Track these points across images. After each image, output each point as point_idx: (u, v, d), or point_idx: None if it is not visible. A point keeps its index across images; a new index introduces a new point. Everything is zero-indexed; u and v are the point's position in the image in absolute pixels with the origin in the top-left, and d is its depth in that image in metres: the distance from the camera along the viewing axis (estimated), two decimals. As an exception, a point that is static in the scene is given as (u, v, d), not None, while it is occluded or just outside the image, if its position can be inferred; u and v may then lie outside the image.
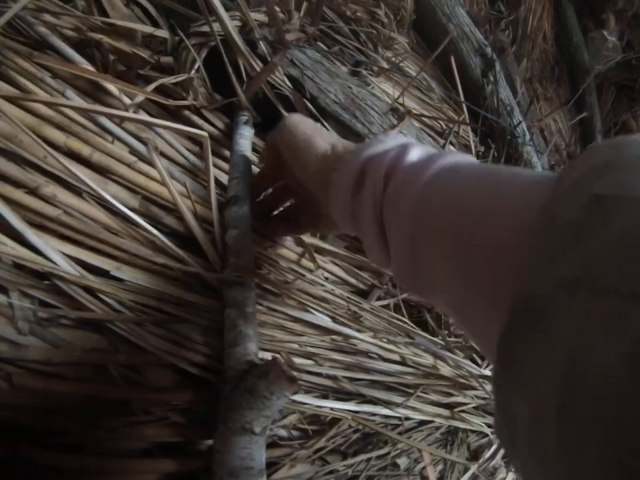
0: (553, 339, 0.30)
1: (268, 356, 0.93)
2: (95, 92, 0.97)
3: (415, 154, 0.65)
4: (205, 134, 0.91)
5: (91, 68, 0.95)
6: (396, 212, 0.62)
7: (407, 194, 0.60)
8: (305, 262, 1.15)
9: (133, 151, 0.96)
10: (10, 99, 0.81)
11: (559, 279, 0.32)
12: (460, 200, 0.55)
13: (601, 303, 0.27)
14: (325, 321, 1.10)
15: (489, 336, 0.45)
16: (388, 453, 1.18)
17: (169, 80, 1.02)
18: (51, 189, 0.82)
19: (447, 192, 0.57)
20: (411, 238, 0.60)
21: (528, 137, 2.17)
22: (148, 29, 1.03)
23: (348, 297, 1.17)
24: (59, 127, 0.87)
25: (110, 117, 0.93)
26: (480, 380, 1.46)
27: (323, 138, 0.84)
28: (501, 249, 0.45)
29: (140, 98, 0.97)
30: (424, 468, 1.28)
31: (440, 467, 1.39)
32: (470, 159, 0.64)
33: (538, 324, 0.33)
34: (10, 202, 0.78)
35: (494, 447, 1.62)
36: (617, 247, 0.29)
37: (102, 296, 0.82)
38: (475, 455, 1.55)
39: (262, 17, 1.15)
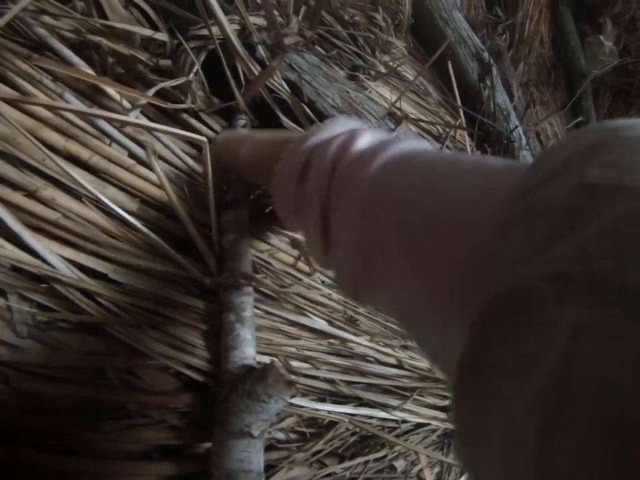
0: (538, 343, 0.27)
1: (266, 359, 0.93)
2: (93, 94, 0.97)
3: (365, 140, 0.60)
4: (205, 139, 0.91)
5: (89, 70, 0.95)
6: (343, 203, 0.58)
7: (355, 182, 0.56)
8: (301, 265, 1.15)
9: (132, 155, 0.96)
10: (9, 101, 0.81)
11: (548, 272, 0.29)
12: (419, 184, 0.51)
13: (600, 301, 0.24)
14: (322, 325, 1.10)
15: (447, 344, 0.42)
16: (385, 456, 1.18)
17: (169, 84, 1.02)
18: (50, 192, 0.82)
19: (404, 177, 0.53)
20: (361, 230, 0.55)
21: (524, 141, 2.18)
22: (147, 31, 1.03)
23: (344, 301, 1.17)
24: (58, 130, 0.87)
25: (109, 120, 0.93)
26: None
27: (259, 133, 0.85)
28: (469, 234, 0.41)
29: (141, 101, 0.98)
30: (421, 470, 1.28)
31: (437, 470, 1.40)
32: (426, 145, 0.60)
33: (520, 323, 0.29)
34: (8, 205, 0.78)
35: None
36: (619, 236, 0.25)
37: (100, 299, 0.83)
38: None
39: (261, 21, 1.15)
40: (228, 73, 1.08)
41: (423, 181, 0.50)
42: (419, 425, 1.32)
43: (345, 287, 0.64)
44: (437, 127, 1.78)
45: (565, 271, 0.27)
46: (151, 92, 0.98)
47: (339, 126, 0.69)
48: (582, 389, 0.23)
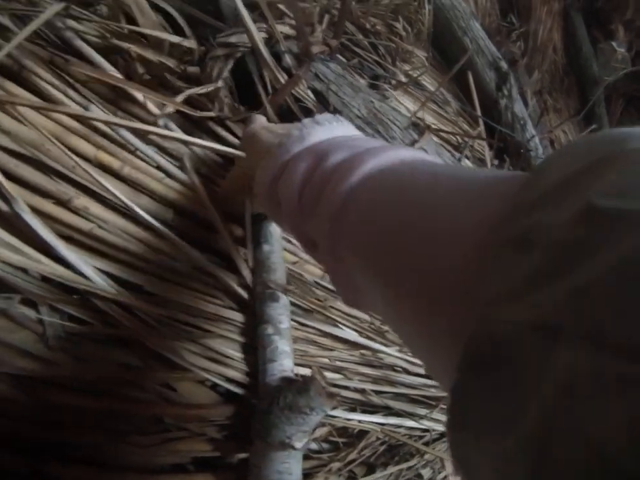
0: (523, 394, 0.24)
1: (301, 371, 0.93)
2: (120, 101, 0.96)
3: (339, 155, 0.56)
4: (242, 154, 0.91)
5: (119, 76, 0.95)
6: (314, 224, 0.57)
7: (326, 202, 0.53)
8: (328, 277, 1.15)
9: (163, 166, 0.95)
10: (35, 108, 0.80)
11: (537, 318, 0.25)
12: (396, 199, 0.46)
13: (595, 359, 0.20)
14: (353, 336, 1.10)
15: (439, 368, 0.40)
16: (415, 465, 1.18)
17: (198, 90, 1.02)
18: (83, 201, 0.81)
19: (379, 195, 0.49)
20: (334, 254, 0.53)
21: (540, 150, 2.17)
22: (176, 38, 1.03)
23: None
24: (85, 138, 0.86)
25: (142, 132, 0.92)
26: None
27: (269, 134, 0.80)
28: (447, 259, 0.36)
29: (170, 109, 0.97)
30: (445, 477, 1.29)
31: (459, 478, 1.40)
32: (411, 153, 0.54)
33: (503, 373, 0.26)
34: (40, 214, 0.78)
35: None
36: (620, 283, 0.21)
37: (135, 311, 0.82)
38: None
39: (287, 30, 1.15)
40: (257, 81, 1.08)
41: (394, 206, 0.46)
42: (444, 434, 1.31)
43: (343, 299, 0.63)
44: (457, 136, 1.78)
45: (556, 319, 0.24)
46: (180, 98, 0.98)
47: (319, 131, 0.66)
48: (567, 448, 0.21)
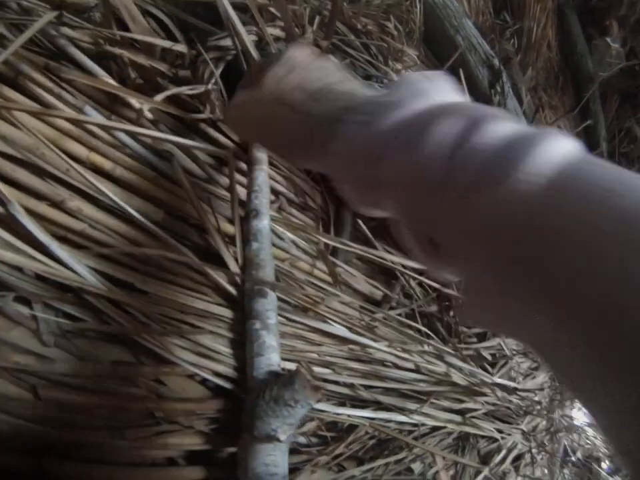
0: None
1: (289, 365, 0.95)
2: (114, 105, 0.99)
3: (500, 129, 0.42)
4: (230, 153, 0.93)
5: (111, 80, 0.97)
6: (468, 223, 0.42)
7: (502, 195, 0.38)
8: (319, 274, 1.17)
9: (154, 166, 0.97)
10: (31, 113, 0.83)
11: None
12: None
13: None
14: (342, 331, 1.12)
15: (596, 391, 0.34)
16: (404, 458, 1.20)
17: (185, 90, 1.04)
18: (76, 202, 0.83)
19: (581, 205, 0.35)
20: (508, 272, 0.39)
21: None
22: (167, 43, 1.04)
23: (361, 306, 1.19)
24: (80, 141, 0.89)
25: (133, 134, 0.94)
26: (491, 387, 1.48)
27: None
28: None
29: (147, 109, 0.99)
30: (437, 472, 1.31)
31: (452, 472, 1.41)
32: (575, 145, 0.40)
33: None
34: (35, 215, 0.80)
35: (503, 452, 1.64)
36: None
37: (128, 308, 0.84)
38: (484, 460, 1.57)
39: (277, 32, 1.16)
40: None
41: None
42: (435, 428, 1.33)
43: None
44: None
45: None
46: (161, 96, 0.99)
47: (432, 91, 0.52)
48: None
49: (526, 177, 0.37)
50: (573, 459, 2.49)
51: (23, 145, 0.80)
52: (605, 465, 2.71)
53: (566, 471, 2.38)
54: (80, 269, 0.81)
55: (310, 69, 0.66)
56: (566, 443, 2.44)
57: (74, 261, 0.81)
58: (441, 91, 0.53)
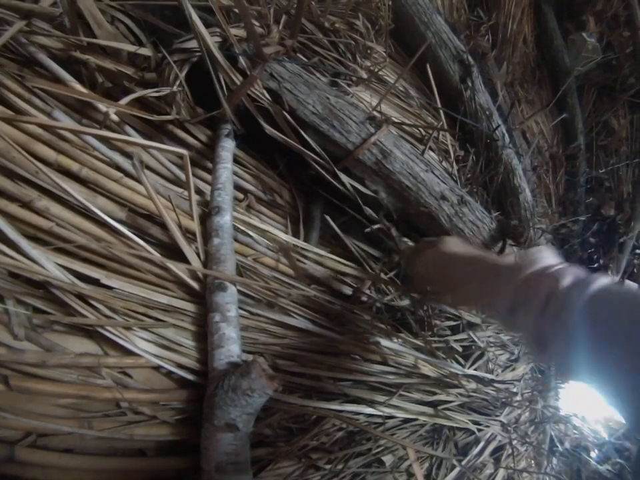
0: None
1: (252, 358, 0.97)
2: (82, 108, 1.01)
3: (569, 278, 0.75)
4: (185, 152, 0.95)
5: (78, 85, 0.99)
6: (557, 331, 0.73)
7: (569, 313, 0.70)
8: (284, 268, 1.19)
9: (120, 166, 0.99)
10: (3, 119, 0.85)
11: None
12: (629, 316, 0.64)
13: None
14: (306, 324, 1.14)
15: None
16: (370, 449, 1.21)
17: (149, 92, 1.06)
18: (44, 202, 0.86)
19: (614, 308, 0.68)
20: (575, 352, 0.69)
21: (507, 139, 2.20)
22: (131, 47, 1.06)
23: (328, 301, 1.20)
24: (49, 145, 0.91)
25: (97, 136, 0.96)
26: (464, 378, 1.49)
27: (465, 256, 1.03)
28: None
29: (120, 110, 1.01)
30: (410, 465, 1.30)
31: (427, 465, 1.42)
32: (610, 280, 0.73)
33: None
34: (5, 215, 0.82)
35: (481, 444, 1.65)
36: None
37: (93, 302, 0.86)
38: (462, 452, 1.58)
39: (242, 32, 1.18)
40: (216, 83, 1.12)
41: (632, 314, 0.64)
42: (406, 421, 1.35)
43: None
44: (419, 129, 1.81)
45: None
46: (126, 100, 1.01)
47: (542, 259, 0.84)
48: None
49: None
50: (561, 449, 2.49)
51: (-5, 149, 0.82)
52: (594, 453, 2.71)
53: (554, 461, 2.39)
54: (48, 265, 0.83)
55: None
56: (552, 434, 2.44)
57: (43, 258, 0.83)
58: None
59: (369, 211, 1.39)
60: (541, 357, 0.81)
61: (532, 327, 0.78)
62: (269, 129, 1.21)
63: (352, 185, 1.33)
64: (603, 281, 0.71)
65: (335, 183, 1.31)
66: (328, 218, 1.33)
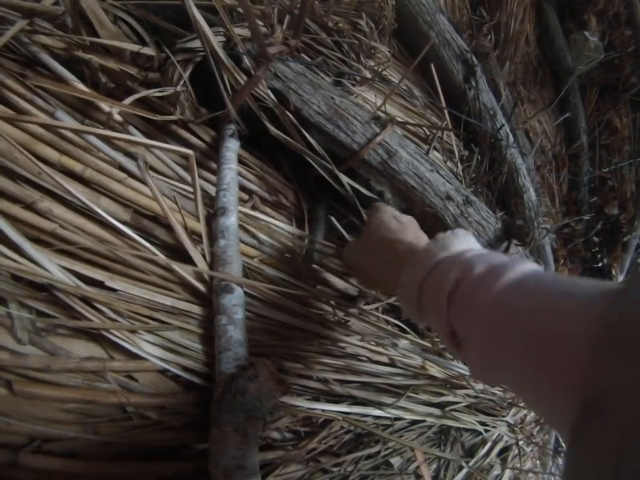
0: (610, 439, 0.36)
1: (258, 360, 0.96)
2: (85, 108, 1.00)
3: (481, 266, 0.70)
4: (190, 152, 0.94)
5: (81, 85, 0.98)
6: (465, 321, 0.70)
7: (476, 305, 0.66)
8: (288, 269, 1.18)
9: (124, 167, 0.99)
10: (4, 119, 0.84)
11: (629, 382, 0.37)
12: (530, 306, 0.60)
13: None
14: (313, 326, 1.13)
15: (554, 414, 0.55)
16: (378, 452, 1.20)
17: (153, 92, 1.05)
18: (47, 204, 0.85)
19: (518, 301, 0.62)
20: (484, 346, 0.65)
21: (511, 139, 2.19)
22: (134, 47, 1.06)
23: (336, 302, 1.19)
24: (52, 145, 0.90)
25: (101, 137, 0.95)
26: (470, 380, 1.48)
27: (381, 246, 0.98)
28: (569, 346, 0.49)
29: (123, 110, 1.01)
30: (418, 467, 1.30)
31: (434, 466, 1.41)
32: (534, 266, 0.69)
33: (601, 422, 0.39)
34: (8, 217, 0.81)
35: (488, 445, 1.64)
36: None
37: (98, 305, 0.85)
38: (469, 453, 1.57)
39: (246, 32, 1.17)
40: (220, 83, 1.11)
41: (532, 304, 0.60)
42: (414, 422, 1.33)
43: (473, 375, 0.74)
44: (424, 128, 1.80)
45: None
46: (130, 100, 1.01)
47: (456, 244, 0.82)
48: None
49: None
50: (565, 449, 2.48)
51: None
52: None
53: (559, 461, 2.38)
54: (51, 267, 0.82)
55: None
56: (557, 434, 2.43)
57: (45, 260, 0.82)
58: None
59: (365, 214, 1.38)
60: (457, 355, 0.78)
61: (439, 318, 0.75)
62: (273, 130, 1.20)
63: (354, 187, 1.32)
64: (518, 270, 0.67)
65: (335, 185, 1.30)
66: (332, 219, 1.32)
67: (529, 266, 0.68)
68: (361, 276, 1.12)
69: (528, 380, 0.59)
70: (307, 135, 1.23)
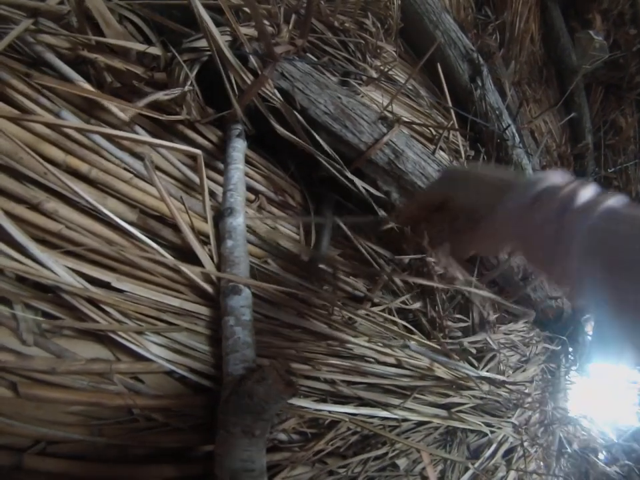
0: None
1: (266, 362, 0.95)
2: (90, 108, 1.00)
3: (588, 192, 0.73)
4: (199, 151, 0.94)
5: (87, 85, 0.97)
6: (572, 240, 0.71)
7: (583, 226, 0.69)
8: (298, 271, 1.18)
9: (130, 167, 0.98)
10: (9, 118, 0.83)
11: None
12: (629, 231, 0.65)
13: None
14: (321, 327, 1.12)
15: None
16: (386, 454, 1.19)
17: (158, 95, 1.04)
18: (53, 204, 0.84)
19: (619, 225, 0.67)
20: (584, 255, 0.68)
21: (517, 139, 2.19)
22: (141, 46, 1.05)
23: (343, 303, 1.19)
24: (57, 145, 0.90)
25: (107, 136, 0.95)
26: (477, 381, 1.48)
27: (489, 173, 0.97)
28: None
29: (133, 112, 1.00)
30: (424, 468, 1.29)
31: (440, 467, 1.41)
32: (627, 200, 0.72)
33: None
34: (13, 217, 0.81)
35: (494, 446, 1.64)
36: None
37: (104, 306, 0.85)
38: (474, 454, 1.57)
39: (252, 31, 1.16)
40: (226, 83, 1.10)
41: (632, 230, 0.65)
42: (420, 424, 1.33)
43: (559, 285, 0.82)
44: (430, 128, 1.79)
45: None
46: (142, 103, 1.01)
47: (555, 177, 0.82)
48: None
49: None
50: (569, 450, 2.48)
51: (1, 149, 0.81)
52: (602, 455, 2.70)
53: (563, 462, 2.38)
54: (57, 268, 0.82)
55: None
56: (561, 435, 2.43)
57: (51, 261, 0.81)
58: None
59: (381, 212, 1.37)
60: (550, 276, 0.81)
61: (540, 241, 0.78)
62: (280, 129, 1.19)
63: (364, 188, 1.32)
64: (619, 200, 0.71)
65: (348, 184, 1.30)
66: (337, 219, 1.31)
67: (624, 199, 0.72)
68: (462, 185, 1.07)
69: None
70: (316, 135, 1.22)
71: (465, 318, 1.64)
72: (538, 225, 0.78)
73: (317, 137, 1.23)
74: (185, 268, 0.94)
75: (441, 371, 1.38)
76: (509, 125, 2.14)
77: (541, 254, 0.80)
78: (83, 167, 0.91)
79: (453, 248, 1.09)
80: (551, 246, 0.76)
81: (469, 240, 1.05)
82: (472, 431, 1.56)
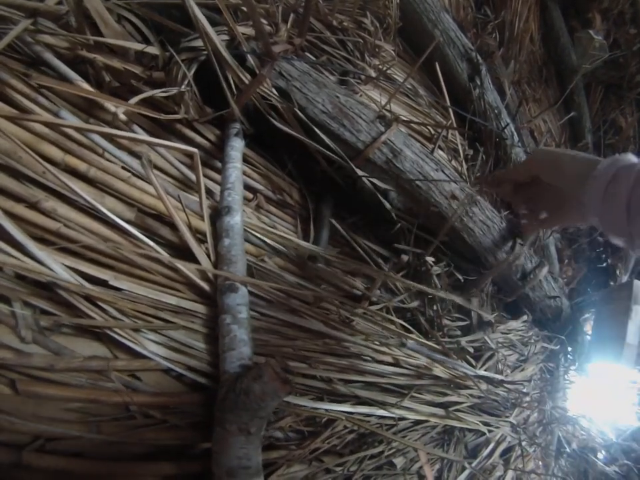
0: None
1: (263, 360, 0.95)
2: (89, 107, 1.00)
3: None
4: (195, 150, 0.94)
5: (85, 85, 0.98)
6: None
7: None
8: (293, 268, 1.18)
9: (128, 166, 0.98)
10: (8, 118, 0.84)
11: None
12: None
13: None
14: (318, 325, 1.12)
15: None
16: (382, 452, 1.20)
17: (158, 92, 1.05)
18: (51, 203, 0.85)
19: None
20: None
21: (516, 138, 2.19)
22: (139, 46, 1.06)
23: (340, 302, 1.19)
24: (56, 144, 0.90)
25: (106, 135, 0.95)
26: (475, 380, 1.48)
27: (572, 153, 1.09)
28: None
29: (129, 109, 1.00)
30: (421, 467, 1.29)
31: (437, 466, 1.40)
32: None
33: None
34: (12, 216, 0.81)
35: (491, 445, 1.63)
36: None
37: (102, 304, 0.85)
38: (472, 454, 1.57)
39: (250, 31, 1.17)
40: (223, 82, 1.11)
41: None
42: (417, 422, 1.33)
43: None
44: (428, 127, 1.80)
45: None
46: (136, 99, 1.00)
47: (630, 157, 0.95)
48: None
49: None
50: (568, 450, 2.47)
51: (0, 149, 0.82)
52: (601, 455, 2.70)
53: (561, 462, 2.37)
54: (55, 266, 0.82)
55: None
56: (560, 435, 2.42)
57: (50, 259, 0.82)
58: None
59: (388, 206, 1.38)
60: (625, 243, 0.95)
61: (617, 210, 0.90)
62: (278, 124, 1.19)
63: (369, 184, 1.33)
64: None
65: (356, 174, 1.31)
66: (333, 221, 1.31)
67: None
68: (549, 166, 1.17)
69: None
70: (318, 131, 1.23)
71: (464, 317, 1.64)
72: (616, 198, 0.90)
73: (321, 134, 1.24)
74: (182, 266, 0.94)
75: (438, 370, 1.38)
76: (508, 124, 2.15)
77: (617, 222, 0.92)
78: (82, 166, 0.92)
79: (541, 221, 1.25)
80: (623, 215, 0.89)
81: (557, 214, 1.22)
82: (470, 430, 1.56)
